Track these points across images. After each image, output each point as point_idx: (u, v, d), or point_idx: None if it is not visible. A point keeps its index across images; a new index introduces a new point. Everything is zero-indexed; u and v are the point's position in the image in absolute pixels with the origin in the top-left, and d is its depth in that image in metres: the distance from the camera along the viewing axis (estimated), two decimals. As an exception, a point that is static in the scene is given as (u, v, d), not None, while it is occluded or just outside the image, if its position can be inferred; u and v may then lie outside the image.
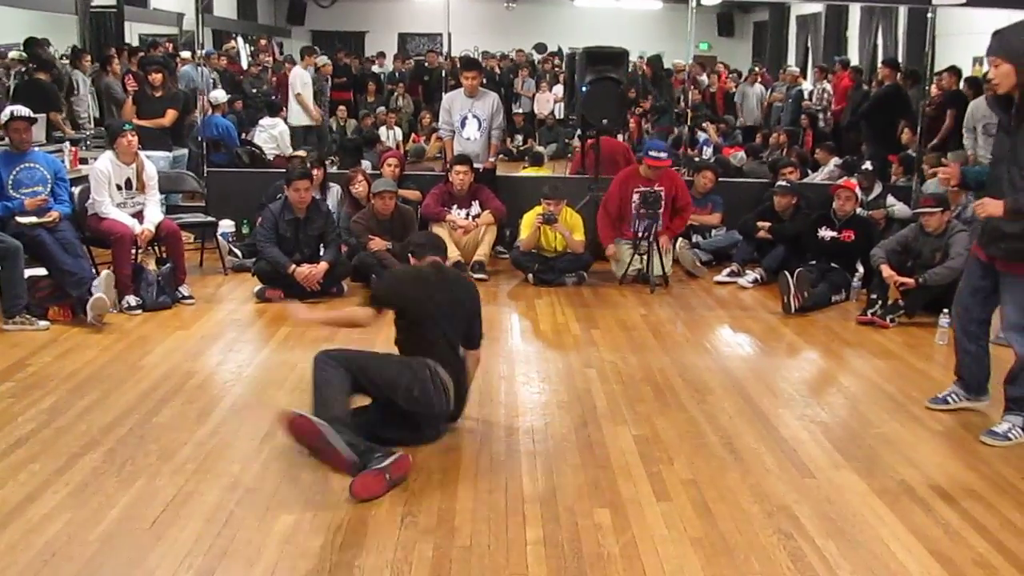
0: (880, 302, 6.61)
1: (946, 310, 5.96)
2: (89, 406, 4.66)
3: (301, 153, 10.34)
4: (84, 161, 8.54)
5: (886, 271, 6.56)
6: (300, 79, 12.27)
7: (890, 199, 8.31)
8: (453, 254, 7.67)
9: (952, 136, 9.52)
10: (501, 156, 10.38)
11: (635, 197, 7.56)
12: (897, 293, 6.62)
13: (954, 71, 9.99)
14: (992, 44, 4.24)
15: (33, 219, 6.20)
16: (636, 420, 4.66)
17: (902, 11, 12.39)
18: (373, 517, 3.57)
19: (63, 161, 7.43)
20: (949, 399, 4.91)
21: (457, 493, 3.79)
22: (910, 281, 6.48)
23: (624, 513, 3.65)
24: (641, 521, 3.58)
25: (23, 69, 10.67)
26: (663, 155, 7.82)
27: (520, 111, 15.78)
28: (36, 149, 6.71)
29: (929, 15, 8.91)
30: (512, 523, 3.55)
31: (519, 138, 15.18)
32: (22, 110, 6.48)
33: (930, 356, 5.92)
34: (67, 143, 8.55)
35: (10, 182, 6.29)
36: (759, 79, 14.45)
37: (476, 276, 7.55)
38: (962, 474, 4.13)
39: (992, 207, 4.28)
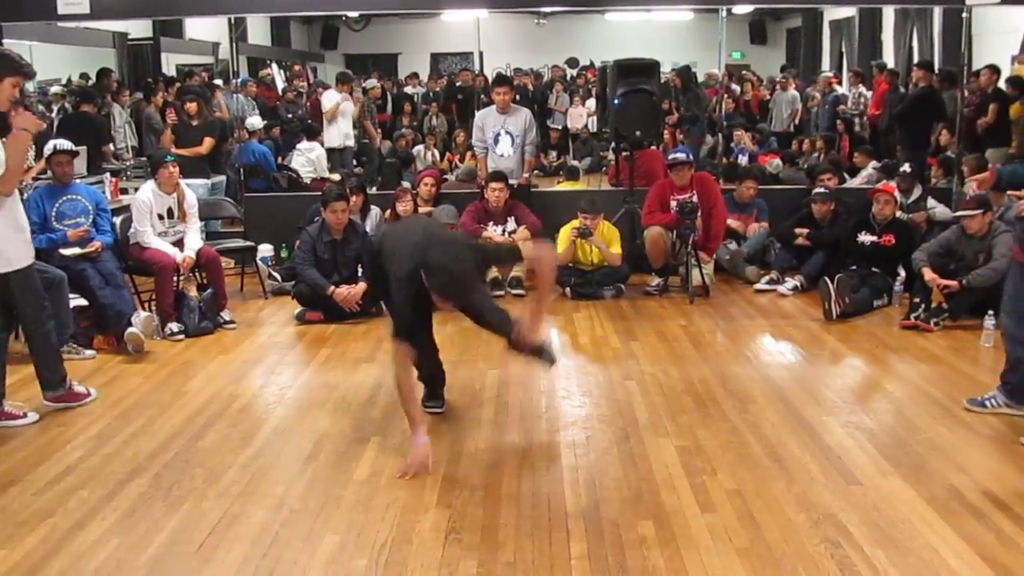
0: (923, 306, 6.51)
1: (991, 312, 5.88)
2: (135, 432, 4.72)
3: (335, 177, 10.41)
4: (124, 191, 8.69)
5: (928, 274, 6.48)
6: (328, 99, 12.25)
7: (931, 201, 8.21)
8: (490, 271, 7.70)
9: (992, 132, 9.42)
10: (536, 172, 10.39)
11: (672, 205, 7.61)
12: (940, 296, 6.53)
13: (993, 69, 9.89)
14: None
15: (76, 250, 6.29)
16: (678, 431, 4.64)
17: (937, 12, 12.24)
18: (417, 534, 3.57)
19: (104, 192, 7.55)
20: (988, 403, 4.82)
21: (500, 509, 3.78)
22: (953, 284, 6.40)
23: (668, 525, 3.62)
24: (686, 533, 3.56)
25: (65, 103, 10.88)
26: (680, 155, 7.95)
27: (556, 127, 15.75)
28: (78, 181, 6.83)
29: (964, 15, 8.81)
30: (556, 538, 3.53)
31: (552, 154, 15.16)
32: (64, 144, 6.60)
33: (976, 359, 5.82)
34: (107, 174, 8.69)
35: (53, 214, 6.40)
36: (791, 85, 14.33)
37: (513, 292, 7.59)
38: (1014, 479, 4.04)
39: None
